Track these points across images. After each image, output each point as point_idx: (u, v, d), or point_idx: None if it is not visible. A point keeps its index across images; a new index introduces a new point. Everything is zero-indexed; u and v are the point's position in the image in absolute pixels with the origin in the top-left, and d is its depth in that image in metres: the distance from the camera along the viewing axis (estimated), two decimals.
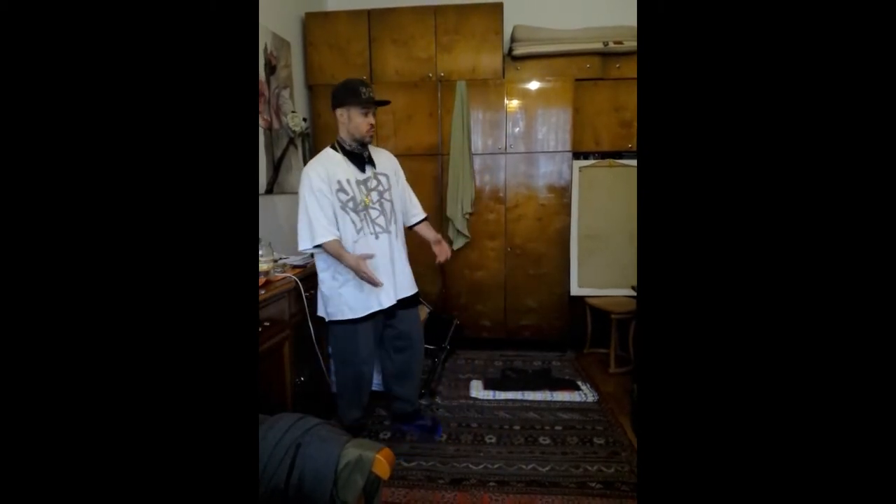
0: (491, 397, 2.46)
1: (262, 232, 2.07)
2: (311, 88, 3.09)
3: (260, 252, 1.83)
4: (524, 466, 1.87)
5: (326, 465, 1.05)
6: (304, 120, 2.85)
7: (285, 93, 2.75)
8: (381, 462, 1.05)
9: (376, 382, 2.39)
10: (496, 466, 1.87)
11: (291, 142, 2.80)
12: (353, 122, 1.79)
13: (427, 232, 2.07)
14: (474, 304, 3.10)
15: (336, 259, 1.81)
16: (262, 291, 1.66)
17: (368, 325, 1.89)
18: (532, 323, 3.10)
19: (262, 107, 2.49)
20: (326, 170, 1.80)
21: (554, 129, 2.95)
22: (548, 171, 3.00)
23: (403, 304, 1.95)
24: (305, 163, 2.96)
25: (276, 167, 2.62)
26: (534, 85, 2.95)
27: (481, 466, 1.87)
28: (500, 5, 2.90)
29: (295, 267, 2.01)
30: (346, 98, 1.78)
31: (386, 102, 1.87)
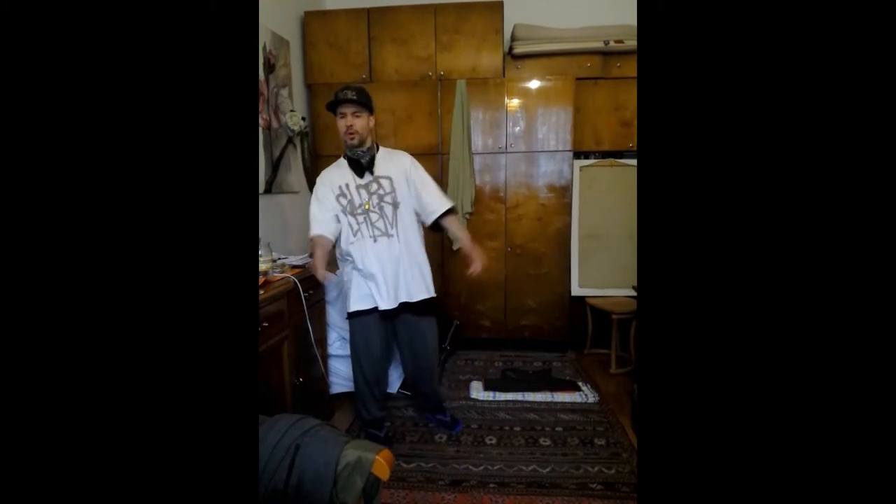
0: (491, 398, 2.46)
1: (261, 232, 2.06)
2: (310, 87, 3.08)
3: (259, 252, 1.82)
4: (524, 468, 1.86)
5: (326, 465, 1.04)
6: (303, 119, 2.85)
7: (284, 92, 2.74)
8: (381, 463, 1.04)
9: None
10: (496, 468, 1.87)
11: (290, 141, 2.79)
12: (338, 128, 1.86)
13: (459, 231, 2.02)
14: (474, 304, 3.10)
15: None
16: (261, 292, 1.65)
17: (369, 321, 1.94)
18: (532, 323, 3.10)
19: (260, 106, 2.48)
20: (332, 177, 1.93)
21: (554, 129, 2.95)
22: (548, 170, 2.99)
23: (410, 309, 1.96)
24: (304, 162, 2.96)
25: (274, 166, 2.62)
26: (534, 84, 2.95)
27: (481, 468, 1.87)
28: (501, 4, 2.90)
29: (294, 267, 2.01)
30: (330, 108, 1.85)
31: (351, 101, 1.79)
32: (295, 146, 2.86)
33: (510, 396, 2.46)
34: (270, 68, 2.58)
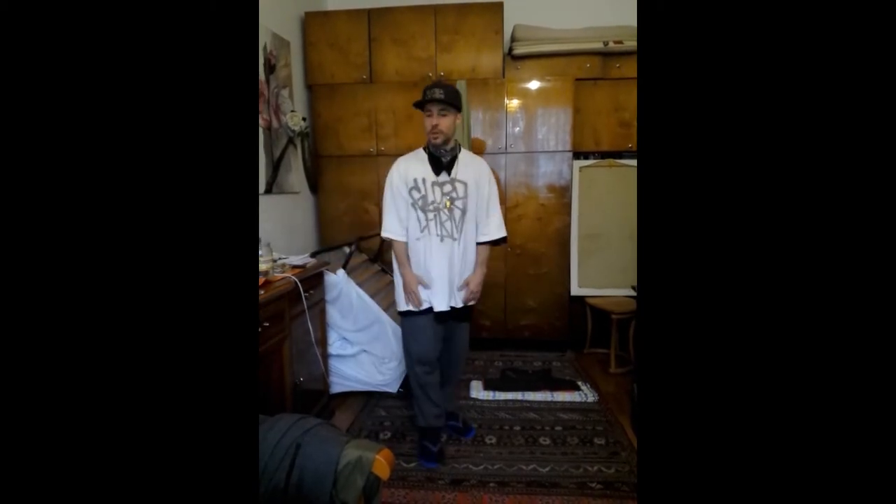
0: (491, 398, 2.46)
1: (262, 232, 2.07)
2: (310, 88, 3.08)
3: (259, 252, 1.82)
4: (524, 467, 1.87)
5: (326, 465, 1.04)
6: (304, 119, 2.85)
7: (285, 92, 2.74)
8: (381, 462, 1.04)
9: (381, 383, 2.39)
10: (496, 467, 1.87)
11: (291, 141, 2.79)
12: (424, 124, 1.83)
13: (481, 255, 1.96)
14: (475, 304, 3.09)
15: (396, 259, 1.90)
16: (262, 292, 1.65)
17: (424, 321, 1.91)
18: (532, 323, 3.10)
19: (261, 106, 2.49)
20: (407, 166, 1.88)
21: (554, 129, 2.95)
22: (548, 170, 2.99)
23: (456, 315, 1.94)
24: (305, 163, 2.97)
25: (275, 167, 2.62)
26: (534, 84, 2.95)
27: (481, 467, 1.87)
28: (500, 5, 2.90)
29: (294, 267, 2.01)
30: (418, 105, 1.82)
31: (437, 100, 1.77)
32: (295, 146, 2.86)
33: (510, 396, 2.46)
34: (271, 69, 2.59)
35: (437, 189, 1.85)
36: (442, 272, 1.87)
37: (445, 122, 1.79)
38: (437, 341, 1.96)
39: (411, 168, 1.87)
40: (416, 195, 1.85)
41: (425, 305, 1.90)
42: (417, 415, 1.99)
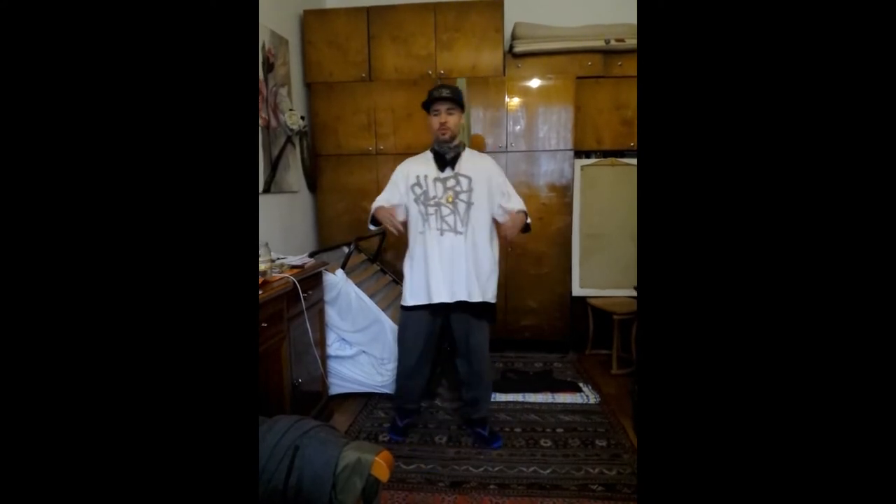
0: (491, 399, 2.44)
1: (260, 232, 2.05)
2: (309, 86, 3.07)
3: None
4: (525, 469, 1.85)
5: (325, 467, 1.03)
6: (303, 118, 2.83)
7: (283, 91, 2.73)
8: (380, 464, 1.03)
9: (380, 384, 2.38)
10: (497, 469, 1.86)
11: (289, 140, 2.78)
12: (430, 124, 1.96)
13: (516, 216, 1.97)
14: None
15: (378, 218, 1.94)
16: (260, 292, 1.64)
17: (419, 316, 1.98)
18: (533, 323, 3.09)
19: (259, 105, 2.47)
20: (410, 166, 1.99)
21: (555, 128, 2.94)
22: (549, 169, 2.98)
23: (469, 309, 1.94)
24: (303, 161, 2.96)
25: (273, 166, 2.60)
26: (535, 83, 2.93)
27: (481, 469, 1.86)
28: (501, 2, 2.89)
29: (293, 267, 1.99)
30: (425, 106, 1.95)
31: (445, 98, 1.89)
32: (294, 145, 2.85)
33: (511, 397, 2.45)
34: (269, 67, 2.57)
35: (438, 184, 1.92)
36: (441, 264, 1.91)
37: (453, 120, 1.91)
38: (427, 344, 2.02)
39: (414, 167, 1.97)
40: (417, 191, 1.93)
41: (420, 301, 1.95)
42: (396, 399, 2.15)
